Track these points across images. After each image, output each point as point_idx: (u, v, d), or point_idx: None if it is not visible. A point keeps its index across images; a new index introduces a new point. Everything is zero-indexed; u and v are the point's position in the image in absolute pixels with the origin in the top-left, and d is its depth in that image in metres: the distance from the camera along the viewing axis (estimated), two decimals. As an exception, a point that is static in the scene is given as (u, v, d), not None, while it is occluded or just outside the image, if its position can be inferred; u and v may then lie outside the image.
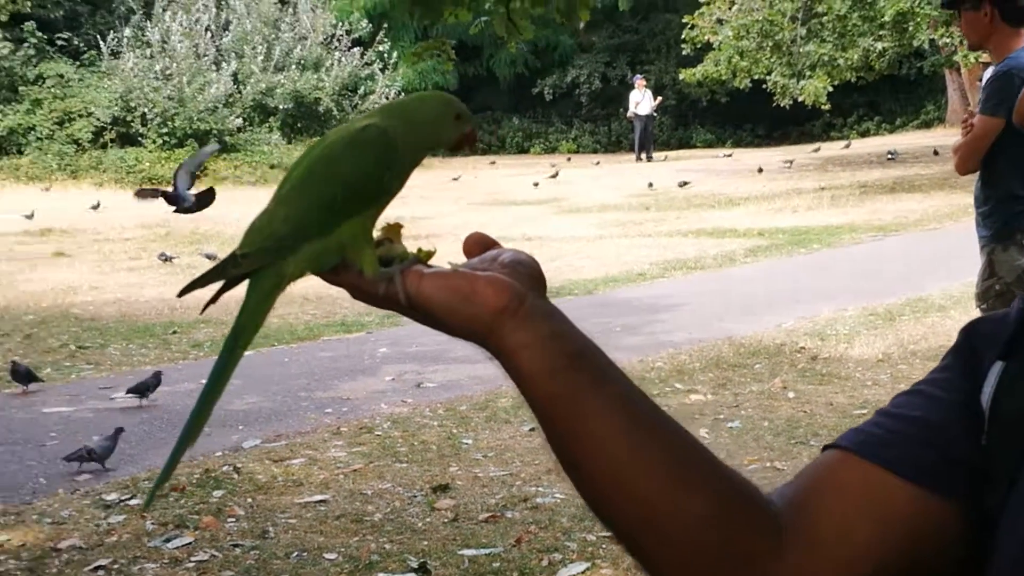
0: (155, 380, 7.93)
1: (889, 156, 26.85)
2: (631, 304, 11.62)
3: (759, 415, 7.17)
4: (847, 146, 30.39)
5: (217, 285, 1.07)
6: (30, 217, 19.15)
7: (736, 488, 1.08)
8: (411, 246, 1.07)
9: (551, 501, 5.77)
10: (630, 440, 1.04)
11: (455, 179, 26.83)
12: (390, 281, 1.03)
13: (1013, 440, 1.02)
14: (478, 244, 1.11)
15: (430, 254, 1.07)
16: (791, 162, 26.80)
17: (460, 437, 7.02)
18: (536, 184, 24.81)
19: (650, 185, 24.10)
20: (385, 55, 32.27)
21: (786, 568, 1.05)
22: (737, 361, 8.75)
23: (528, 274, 1.06)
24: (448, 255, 1.13)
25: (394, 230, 1.07)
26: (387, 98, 31.29)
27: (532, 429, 7.11)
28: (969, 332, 1.12)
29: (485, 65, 38.32)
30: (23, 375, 8.32)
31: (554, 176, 26.31)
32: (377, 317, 10.91)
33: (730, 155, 31.21)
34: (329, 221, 1.02)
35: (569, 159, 32.59)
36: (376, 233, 1.06)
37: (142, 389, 7.86)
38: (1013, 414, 1.03)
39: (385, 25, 33.11)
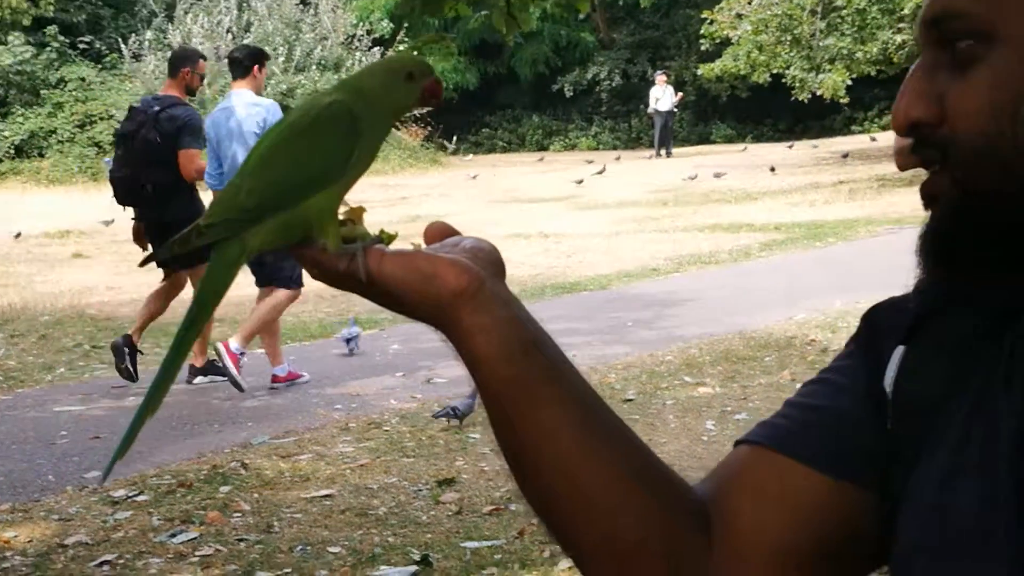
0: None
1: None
2: (644, 299, 11.64)
3: (767, 407, 7.17)
4: (873, 139, 30.21)
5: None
6: (17, 237, 18.65)
7: (673, 485, 1.10)
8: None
9: (555, 494, 5.80)
10: (580, 432, 1.06)
11: (473, 177, 26.85)
12: (352, 258, 1.03)
13: (915, 424, 1.04)
14: (440, 233, 1.12)
15: (392, 237, 1.08)
16: (848, 154, 26.73)
17: (468, 432, 7.05)
18: (580, 181, 24.76)
19: (693, 178, 24.01)
20: (405, 54, 32.33)
21: (714, 562, 1.07)
22: (747, 354, 8.76)
23: (488, 260, 1.07)
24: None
25: (356, 212, 1.08)
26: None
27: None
28: (870, 319, 1.14)
29: (507, 64, 38.34)
30: None
31: (601, 172, 26.23)
32: (390, 314, 10.90)
33: (744, 149, 31.16)
34: (294, 196, 1.03)
35: (591, 161, 32.53)
36: (339, 215, 1.07)
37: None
38: (915, 398, 1.05)
39: (406, 24, 33.16)
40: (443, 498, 5.85)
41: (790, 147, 30.10)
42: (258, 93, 8.28)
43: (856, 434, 1.07)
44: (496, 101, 39.92)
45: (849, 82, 24.14)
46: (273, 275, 8.12)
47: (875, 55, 24.01)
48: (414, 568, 4.98)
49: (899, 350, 1.08)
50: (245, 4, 31.70)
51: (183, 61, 8.58)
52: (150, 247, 8.48)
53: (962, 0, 0.96)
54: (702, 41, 27.51)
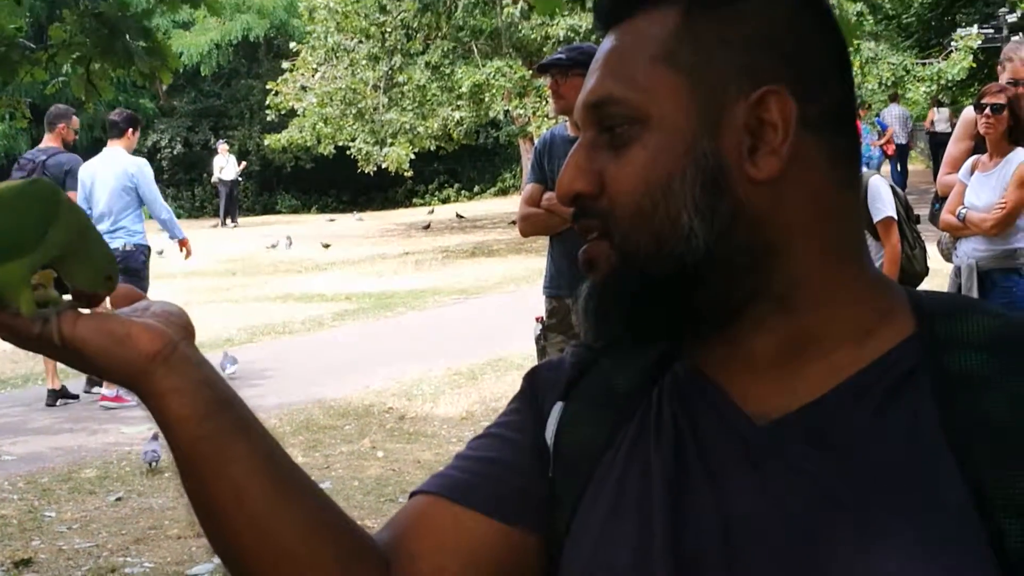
0: None
1: (459, 216, 27.97)
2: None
3: (349, 475, 7.26)
4: (431, 211, 31.10)
5: None
6: None
7: (356, 535, 1.15)
8: None
9: (140, 571, 5.65)
10: (269, 485, 1.09)
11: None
12: (46, 322, 1.03)
13: (573, 471, 1.15)
14: (126, 298, 1.13)
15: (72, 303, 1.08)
16: (429, 225, 27.27)
17: (42, 510, 6.76)
18: (161, 252, 23.95)
19: (273, 246, 23.77)
20: (-49, 116, 30.64)
21: None
22: (328, 423, 8.82)
23: (179, 324, 1.10)
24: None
25: (46, 277, 1.07)
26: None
27: (119, 499, 6.93)
28: (531, 378, 1.25)
29: (58, 128, 36.96)
30: None
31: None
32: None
33: (333, 220, 31.35)
34: None
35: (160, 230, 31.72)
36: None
37: None
38: (572, 447, 1.16)
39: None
40: (21, 580, 5.59)
41: (360, 219, 30.57)
42: (129, 152, 9.74)
43: (522, 482, 1.17)
44: (51, 167, 38.41)
45: (412, 156, 24.79)
46: None
47: (436, 130, 24.79)
48: (-5, 656, 4.73)
49: (558, 405, 1.19)
50: None
51: (59, 119, 9.76)
52: None
53: (619, 88, 1.08)
54: (267, 111, 27.56)
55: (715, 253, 1.05)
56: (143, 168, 9.68)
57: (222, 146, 32.17)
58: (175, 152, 38.03)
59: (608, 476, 1.13)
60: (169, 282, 19.51)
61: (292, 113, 26.67)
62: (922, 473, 1.00)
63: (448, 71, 24.29)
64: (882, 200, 6.31)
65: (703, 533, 1.04)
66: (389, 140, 24.79)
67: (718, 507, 1.05)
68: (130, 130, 9.77)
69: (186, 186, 38.64)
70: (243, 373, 10.76)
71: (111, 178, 9.46)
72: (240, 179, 32.89)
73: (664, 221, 1.05)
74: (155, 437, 7.04)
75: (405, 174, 25.52)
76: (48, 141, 9.86)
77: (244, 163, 33.40)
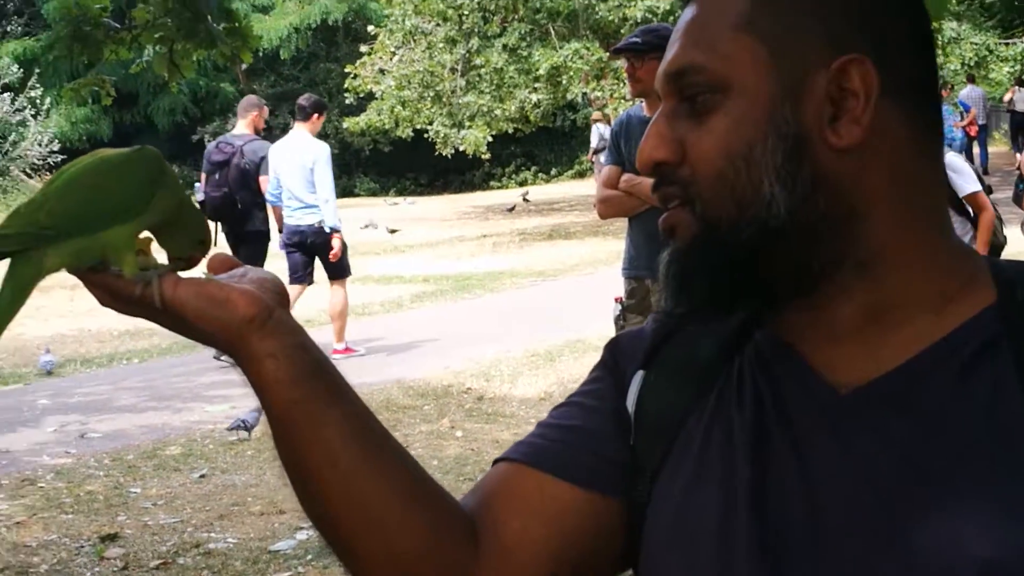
0: None
1: (524, 199, 27.95)
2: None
3: (428, 454, 7.31)
4: (526, 194, 30.99)
5: None
6: None
7: (444, 500, 1.18)
8: None
9: (223, 546, 5.74)
10: (360, 450, 1.12)
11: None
12: (147, 284, 1.06)
13: (655, 438, 1.17)
14: (223, 264, 1.15)
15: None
16: (514, 207, 27.22)
17: (128, 486, 6.87)
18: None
19: (366, 227, 23.70)
20: (37, 101, 31.09)
21: (481, 570, 1.16)
22: (407, 403, 8.88)
23: (274, 290, 1.12)
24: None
25: (145, 244, 1.11)
26: (40, 145, 30.19)
27: (202, 476, 7.04)
28: (612, 347, 1.27)
29: (143, 113, 37.43)
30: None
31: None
32: (35, 369, 10.56)
33: (396, 203, 31.49)
34: (94, 224, 1.05)
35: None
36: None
37: None
38: (653, 415, 1.18)
39: (37, 71, 31.90)
40: (107, 554, 5.69)
41: (412, 203, 30.61)
42: (313, 135, 10.48)
43: (604, 449, 1.19)
44: (133, 150, 38.86)
45: (490, 138, 24.83)
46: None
47: (513, 113, 24.82)
48: (83, 626, 4.84)
49: (639, 374, 1.21)
50: None
51: (251, 108, 10.74)
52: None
53: (700, 57, 1.09)
54: (346, 95, 27.72)
55: (796, 220, 1.05)
56: (323, 151, 10.39)
57: (301, 129, 32.31)
58: (255, 135, 38.26)
59: (690, 444, 1.14)
60: (250, 264, 19.72)
61: (370, 96, 26.81)
62: (1006, 442, 1.00)
63: (525, 53, 24.32)
64: (965, 175, 6.29)
65: (787, 501, 1.05)
66: (466, 123, 24.86)
67: (801, 475, 1.06)
68: (315, 115, 10.50)
69: (266, 169, 38.89)
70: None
71: (295, 159, 10.21)
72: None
73: (746, 188, 1.06)
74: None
75: (482, 157, 25.57)
76: (241, 128, 10.79)
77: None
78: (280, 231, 10.52)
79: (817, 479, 1.05)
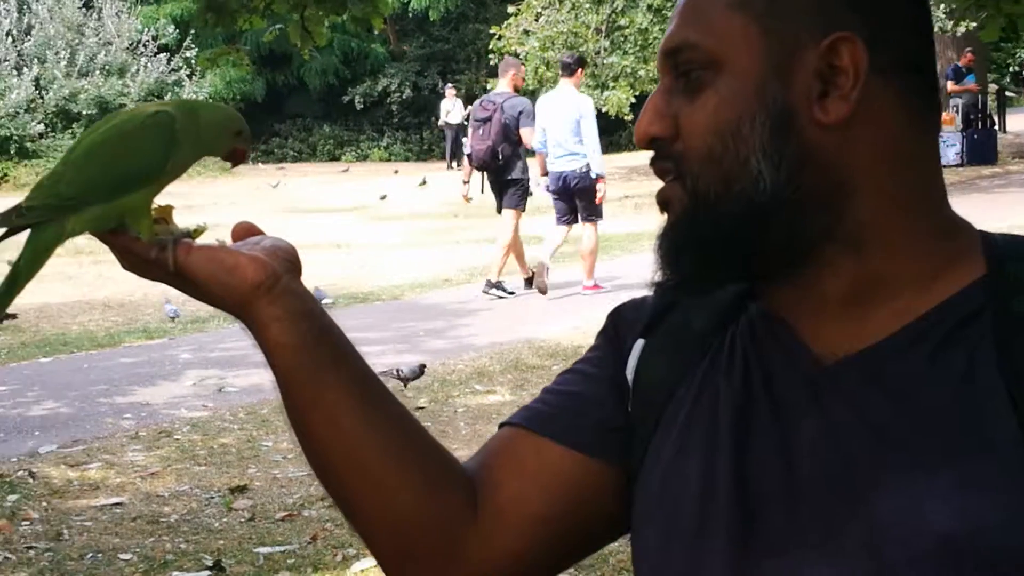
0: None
1: None
2: (436, 309, 11.78)
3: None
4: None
5: None
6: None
7: (445, 462, 1.24)
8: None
9: (348, 499, 5.88)
10: (362, 412, 1.18)
11: (274, 186, 26.50)
12: (162, 248, 1.13)
13: (649, 406, 1.21)
14: (245, 232, 1.22)
15: (200, 231, 1.18)
16: None
17: (260, 440, 7.08)
18: (384, 197, 24.47)
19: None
20: (192, 61, 31.78)
21: (477, 533, 1.21)
22: (536, 363, 8.96)
23: (285, 258, 1.18)
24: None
25: (166, 211, 1.17)
26: (195, 104, 30.82)
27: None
28: (615, 317, 1.31)
29: (296, 74, 38.03)
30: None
31: (423, 184, 26.07)
32: (180, 324, 10.85)
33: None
34: (112, 191, 1.11)
35: (397, 171, 32.08)
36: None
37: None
38: (649, 384, 1.22)
39: (192, 32, 32.61)
40: (236, 505, 5.88)
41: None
42: (577, 88, 11.83)
43: (602, 416, 1.23)
44: (285, 111, 39.56)
45: (633, 100, 24.69)
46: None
47: (657, 74, 24.60)
48: (207, 574, 5.02)
49: (639, 343, 1.25)
50: (25, 6, 30.76)
51: (509, 67, 12.31)
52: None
53: (695, 34, 1.12)
54: (491, 56, 27.79)
55: (784, 195, 1.07)
56: (588, 105, 11.75)
57: (449, 90, 32.58)
58: (404, 96, 38.62)
59: (679, 411, 1.18)
60: (394, 223, 20.01)
61: (515, 57, 26.80)
62: (973, 415, 1.01)
63: (670, 13, 24.07)
64: None
65: (767, 467, 1.09)
66: (610, 84, 24.73)
67: (782, 442, 1.09)
68: (579, 69, 12.00)
69: (414, 129, 39.29)
70: (456, 311, 11.03)
71: (561, 111, 11.49)
72: (466, 123, 33.25)
73: (733, 164, 1.08)
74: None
75: (625, 118, 25.43)
76: (502, 87, 12.15)
77: (471, 107, 33.64)
78: (543, 175, 11.90)
79: (795, 446, 1.08)
